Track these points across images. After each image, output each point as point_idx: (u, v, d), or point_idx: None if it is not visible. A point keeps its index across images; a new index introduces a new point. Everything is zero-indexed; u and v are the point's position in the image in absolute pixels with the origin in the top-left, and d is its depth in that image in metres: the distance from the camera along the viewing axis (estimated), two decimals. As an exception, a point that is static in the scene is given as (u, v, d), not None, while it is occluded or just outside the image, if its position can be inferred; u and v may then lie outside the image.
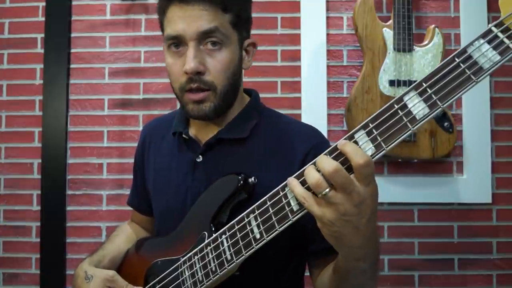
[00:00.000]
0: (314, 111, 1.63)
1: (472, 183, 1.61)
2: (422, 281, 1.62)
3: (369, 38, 1.54)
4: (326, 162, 0.56)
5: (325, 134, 1.61)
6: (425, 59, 1.52)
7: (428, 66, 1.51)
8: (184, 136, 0.92)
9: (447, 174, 1.64)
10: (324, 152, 0.60)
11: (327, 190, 0.56)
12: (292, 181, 0.61)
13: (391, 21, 1.54)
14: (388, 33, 1.53)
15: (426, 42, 1.54)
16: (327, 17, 1.67)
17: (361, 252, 0.63)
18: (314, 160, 0.60)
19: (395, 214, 1.63)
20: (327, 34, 1.66)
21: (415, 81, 1.53)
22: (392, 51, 1.52)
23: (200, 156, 0.89)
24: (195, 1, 0.78)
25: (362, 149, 0.57)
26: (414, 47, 1.52)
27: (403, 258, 1.62)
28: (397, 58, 1.51)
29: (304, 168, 0.60)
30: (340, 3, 1.68)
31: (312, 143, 0.86)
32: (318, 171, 0.58)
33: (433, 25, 1.54)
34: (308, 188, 0.59)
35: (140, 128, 1.66)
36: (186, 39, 0.80)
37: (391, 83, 1.51)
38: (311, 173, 0.58)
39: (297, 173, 0.62)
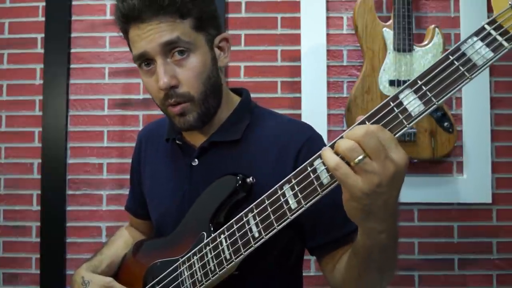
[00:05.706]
0: (314, 111, 1.63)
1: (472, 183, 1.61)
2: (422, 281, 1.62)
3: (369, 38, 1.54)
4: (356, 128, 0.54)
5: (325, 134, 1.61)
6: (425, 59, 1.51)
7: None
8: (177, 141, 0.91)
9: (447, 174, 1.63)
10: (327, 146, 0.58)
11: (361, 156, 0.52)
12: (326, 150, 0.57)
13: (391, 21, 1.53)
14: (388, 33, 1.52)
15: (426, 42, 1.54)
16: (327, 17, 1.66)
17: (384, 225, 0.59)
18: (340, 136, 0.57)
19: (395, 214, 1.62)
20: (327, 34, 1.66)
21: (414, 81, 1.53)
22: (392, 51, 1.52)
23: (195, 159, 0.88)
24: (149, 17, 0.77)
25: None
26: (414, 47, 1.52)
27: (403, 258, 1.61)
28: (397, 58, 1.51)
29: (336, 140, 0.57)
30: (340, 3, 1.68)
31: (304, 138, 0.85)
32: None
33: (433, 25, 1.54)
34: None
35: (140, 128, 1.66)
36: (151, 55, 0.79)
37: (391, 83, 1.51)
38: (343, 141, 0.54)
39: (330, 143, 0.59)
